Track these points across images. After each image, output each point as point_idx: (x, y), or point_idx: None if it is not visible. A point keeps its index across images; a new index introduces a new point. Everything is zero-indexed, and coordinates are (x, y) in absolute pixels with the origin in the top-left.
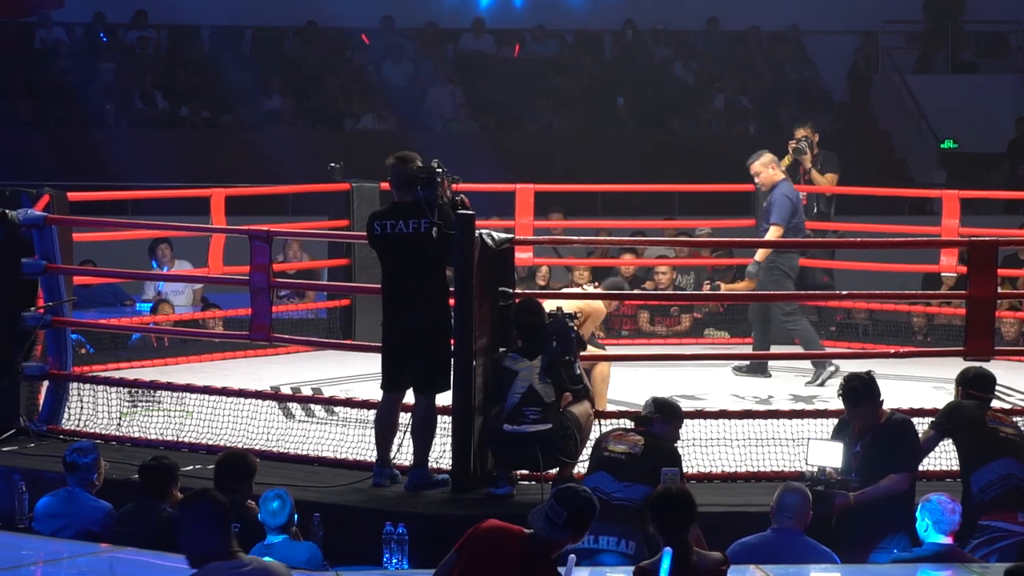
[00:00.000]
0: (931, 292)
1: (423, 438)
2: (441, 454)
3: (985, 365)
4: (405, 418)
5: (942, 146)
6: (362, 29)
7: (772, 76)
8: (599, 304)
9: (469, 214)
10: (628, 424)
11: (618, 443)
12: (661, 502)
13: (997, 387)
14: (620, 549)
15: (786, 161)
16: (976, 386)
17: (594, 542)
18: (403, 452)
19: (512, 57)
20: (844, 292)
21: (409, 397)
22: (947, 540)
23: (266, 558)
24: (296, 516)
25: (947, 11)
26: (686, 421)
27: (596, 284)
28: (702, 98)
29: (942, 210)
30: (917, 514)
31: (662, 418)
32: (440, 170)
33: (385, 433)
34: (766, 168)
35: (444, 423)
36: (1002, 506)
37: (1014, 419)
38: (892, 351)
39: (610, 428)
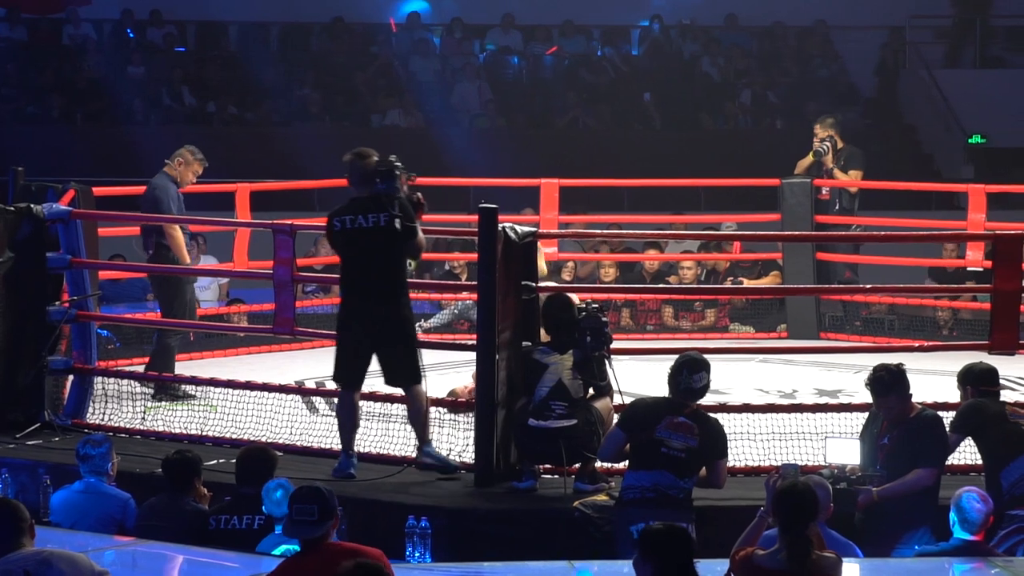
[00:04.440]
0: (954, 287)
1: (423, 422)
2: (464, 448)
3: (1010, 360)
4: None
5: (970, 141)
6: (388, 24)
7: (799, 71)
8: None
9: (492, 208)
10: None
11: (674, 436)
12: (785, 498)
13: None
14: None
15: (810, 158)
16: (986, 381)
17: None
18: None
19: (539, 53)
20: (868, 286)
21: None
22: (974, 538)
23: (282, 547)
24: None
25: (975, 5)
26: None
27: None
28: (729, 93)
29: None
30: (951, 508)
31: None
32: (398, 164)
33: (349, 428)
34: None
35: (467, 417)
36: None
37: None
38: (916, 345)
39: (647, 406)
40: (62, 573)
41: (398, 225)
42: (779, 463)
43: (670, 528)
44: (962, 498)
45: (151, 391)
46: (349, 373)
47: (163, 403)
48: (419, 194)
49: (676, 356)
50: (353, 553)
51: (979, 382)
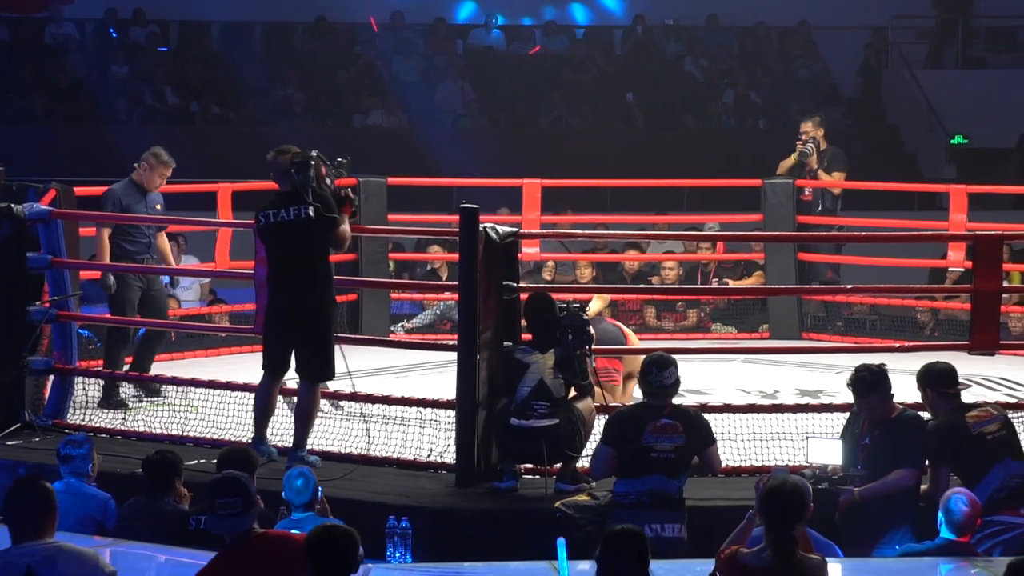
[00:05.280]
0: (935, 286)
1: (305, 423)
2: (446, 448)
3: (991, 360)
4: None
5: (952, 141)
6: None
7: (782, 71)
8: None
9: (473, 208)
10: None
11: (661, 439)
12: (772, 497)
13: (1003, 382)
14: (683, 536)
15: (792, 158)
16: (946, 382)
17: (661, 531)
18: (280, 434)
19: (522, 53)
20: (849, 287)
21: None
22: (959, 540)
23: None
24: (320, 491)
25: (957, 6)
26: None
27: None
28: (712, 93)
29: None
30: (940, 507)
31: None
32: (315, 156)
33: (263, 414)
34: None
35: (448, 417)
36: (1005, 505)
37: (990, 410)
38: (897, 345)
39: (628, 417)
40: (64, 573)
41: (312, 213)
42: (760, 463)
43: (627, 531)
44: (950, 499)
45: (133, 392)
46: (269, 362)
47: (145, 402)
48: (347, 190)
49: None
50: (282, 540)
51: (938, 383)
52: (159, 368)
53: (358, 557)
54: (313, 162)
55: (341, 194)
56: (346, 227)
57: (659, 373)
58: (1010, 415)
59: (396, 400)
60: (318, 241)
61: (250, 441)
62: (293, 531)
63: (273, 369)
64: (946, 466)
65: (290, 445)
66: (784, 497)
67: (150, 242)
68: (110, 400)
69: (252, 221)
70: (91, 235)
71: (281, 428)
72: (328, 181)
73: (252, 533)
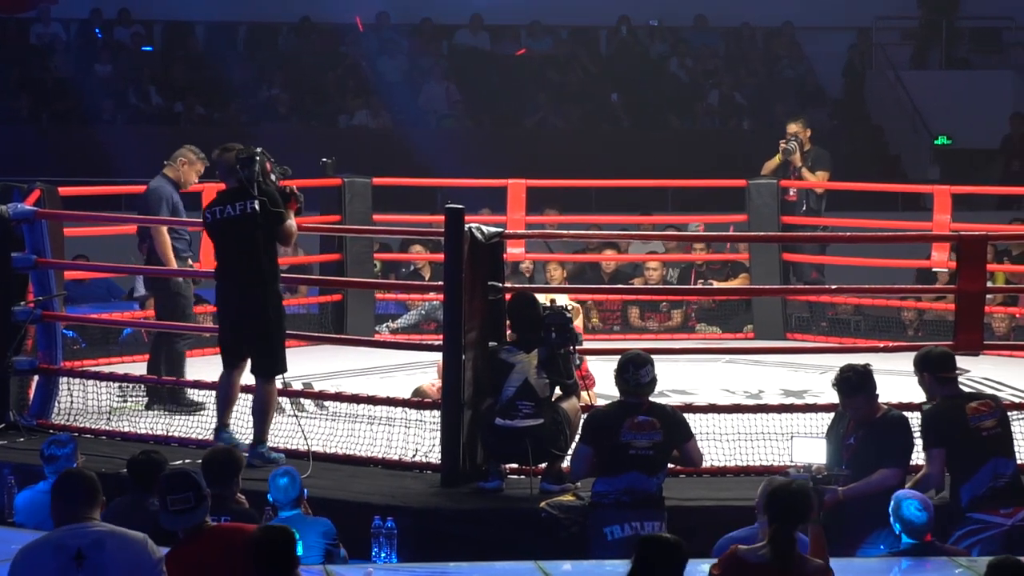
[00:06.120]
0: (918, 287)
1: (262, 418)
2: (431, 448)
3: (975, 360)
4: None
5: (936, 142)
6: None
7: (767, 72)
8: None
9: (458, 208)
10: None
11: (638, 436)
12: (778, 494)
13: (987, 382)
14: (663, 533)
15: (776, 159)
16: (943, 367)
17: (641, 528)
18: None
19: (508, 53)
20: (834, 287)
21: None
22: (924, 542)
23: None
24: (306, 491)
25: (941, 7)
26: None
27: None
28: (697, 94)
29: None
30: (891, 517)
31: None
32: (260, 152)
33: (224, 402)
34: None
35: (434, 417)
36: (987, 504)
37: (989, 402)
38: (881, 345)
39: (605, 415)
40: (113, 557)
41: (257, 206)
42: (745, 463)
43: (662, 539)
44: (902, 508)
45: (118, 392)
46: (225, 356)
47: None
48: (292, 189)
49: None
50: (235, 532)
51: (937, 368)
52: (144, 369)
53: (296, 557)
54: (258, 158)
55: (287, 191)
56: (292, 223)
57: (636, 372)
58: None
59: (381, 400)
60: (264, 236)
61: (214, 430)
62: None
63: (227, 363)
64: (937, 448)
65: (291, 447)
66: (789, 496)
67: (191, 240)
68: (181, 401)
69: None
70: (76, 236)
71: (274, 429)
72: (273, 177)
73: (205, 526)
